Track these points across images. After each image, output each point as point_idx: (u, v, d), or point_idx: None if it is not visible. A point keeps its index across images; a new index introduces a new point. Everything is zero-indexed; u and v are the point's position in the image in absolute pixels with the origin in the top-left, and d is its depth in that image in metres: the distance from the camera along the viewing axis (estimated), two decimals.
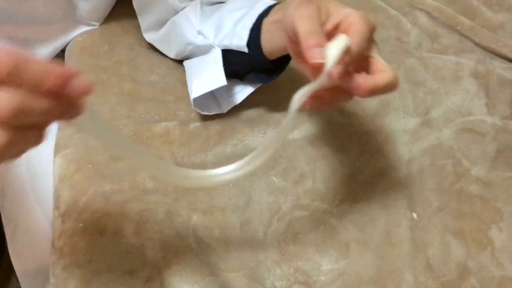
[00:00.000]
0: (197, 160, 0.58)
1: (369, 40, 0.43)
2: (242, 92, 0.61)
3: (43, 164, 0.64)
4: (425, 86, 0.67)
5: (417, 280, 0.53)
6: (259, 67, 0.57)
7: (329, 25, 0.43)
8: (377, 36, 0.72)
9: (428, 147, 0.61)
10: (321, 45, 0.40)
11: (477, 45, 0.70)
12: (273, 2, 0.54)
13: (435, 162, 0.60)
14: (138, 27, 0.68)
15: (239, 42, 0.54)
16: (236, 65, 0.59)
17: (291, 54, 0.47)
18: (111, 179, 0.54)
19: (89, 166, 0.55)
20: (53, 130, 0.60)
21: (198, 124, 0.61)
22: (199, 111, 0.60)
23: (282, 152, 0.60)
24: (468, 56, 0.69)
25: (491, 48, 0.70)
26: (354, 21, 0.42)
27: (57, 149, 0.57)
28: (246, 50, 0.54)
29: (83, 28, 0.68)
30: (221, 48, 0.58)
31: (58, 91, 0.31)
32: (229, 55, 0.57)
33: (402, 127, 0.63)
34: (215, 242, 0.53)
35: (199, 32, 0.60)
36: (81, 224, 0.51)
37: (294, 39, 0.43)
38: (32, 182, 0.67)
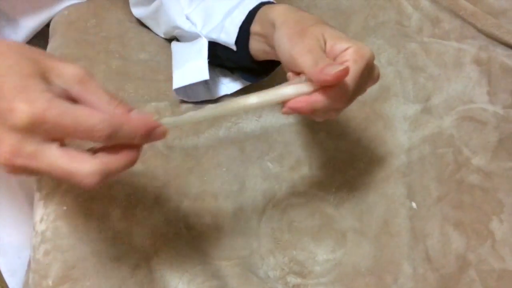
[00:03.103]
0: (188, 143, 0.55)
1: (364, 76, 0.40)
2: (228, 86, 0.59)
3: None
4: (426, 72, 0.64)
5: (416, 272, 0.51)
6: (246, 67, 0.54)
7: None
8: (377, 20, 0.70)
9: (428, 134, 0.59)
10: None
11: (480, 31, 0.68)
12: None
13: (435, 150, 0.58)
14: (127, 1, 0.65)
15: (227, 38, 0.52)
16: (224, 61, 0.56)
17: (286, 69, 0.44)
18: None
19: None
20: None
21: (190, 105, 0.58)
22: (185, 99, 0.58)
23: (277, 137, 0.57)
24: (470, 42, 0.67)
25: (493, 35, 0.68)
26: (349, 58, 0.39)
27: None
28: (234, 48, 0.52)
29: (69, 2, 0.65)
30: (209, 40, 0.55)
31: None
32: (217, 50, 0.55)
33: (402, 114, 0.61)
34: (206, 229, 0.51)
35: (187, 17, 0.57)
36: (64, 208, 0.49)
37: (295, 69, 0.40)
38: None
